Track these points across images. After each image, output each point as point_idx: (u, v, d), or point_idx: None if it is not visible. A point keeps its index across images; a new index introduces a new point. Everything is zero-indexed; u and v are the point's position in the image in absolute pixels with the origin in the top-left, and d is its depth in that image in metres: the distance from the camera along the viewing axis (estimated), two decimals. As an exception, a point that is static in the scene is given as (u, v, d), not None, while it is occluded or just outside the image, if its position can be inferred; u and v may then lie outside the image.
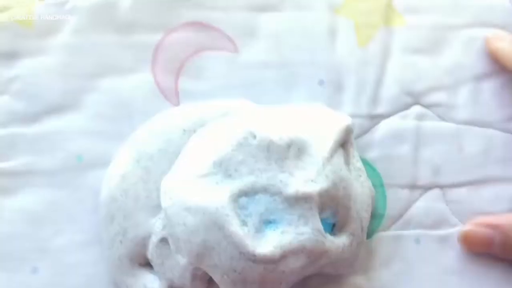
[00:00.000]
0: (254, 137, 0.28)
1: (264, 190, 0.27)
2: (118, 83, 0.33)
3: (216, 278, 0.28)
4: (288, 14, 0.33)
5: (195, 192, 0.27)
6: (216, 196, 0.27)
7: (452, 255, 0.32)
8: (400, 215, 0.32)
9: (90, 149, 0.32)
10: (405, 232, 0.32)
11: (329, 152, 0.28)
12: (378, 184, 0.32)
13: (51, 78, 0.32)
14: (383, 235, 0.32)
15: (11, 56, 0.32)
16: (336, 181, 0.28)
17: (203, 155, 0.28)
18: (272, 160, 0.27)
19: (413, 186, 0.32)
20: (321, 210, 0.28)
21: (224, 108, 0.31)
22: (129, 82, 0.33)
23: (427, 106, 0.33)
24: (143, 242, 0.30)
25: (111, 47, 0.33)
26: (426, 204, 0.32)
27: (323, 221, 0.28)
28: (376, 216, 0.32)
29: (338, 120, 0.30)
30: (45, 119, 0.32)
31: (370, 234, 0.32)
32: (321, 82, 0.33)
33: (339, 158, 0.29)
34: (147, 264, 0.30)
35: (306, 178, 0.27)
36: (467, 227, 0.32)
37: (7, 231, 0.32)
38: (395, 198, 0.32)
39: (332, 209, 0.28)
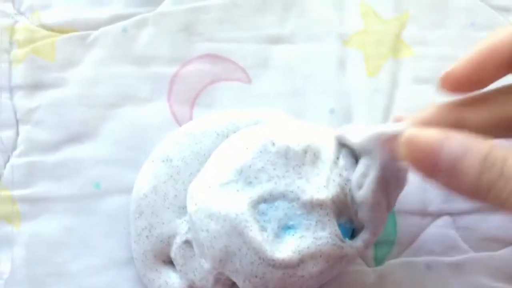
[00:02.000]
0: (273, 144, 0.28)
1: (283, 196, 0.28)
2: (135, 112, 0.34)
3: (239, 283, 0.28)
4: (299, 45, 0.34)
5: (217, 199, 0.28)
6: (237, 203, 0.27)
7: (464, 281, 0.32)
8: (411, 242, 0.33)
9: (107, 176, 0.33)
10: (416, 259, 0.33)
11: (334, 154, 0.29)
12: (389, 211, 0.33)
13: (71, 108, 0.34)
14: (395, 262, 0.33)
15: (33, 87, 0.34)
16: (342, 184, 0.28)
17: (226, 162, 0.29)
18: (290, 166, 0.28)
19: (423, 213, 0.33)
20: (339, 216, 0.28)
21: (257, 116, 0.32)
22: (145, 112, 0.34)
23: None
24: (168, 241, 0.31)
25: (129, 78, 0.34)
26: (437, 230, 0.33)
27: (341, 226, 0.28)
28: (387, 243, 0.33)
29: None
30: (64, 148, 0.33)
31: (381, 260, 0.33)
32: (331, 111, 0.34)
33: (344, 160, 0.29)
34: (170, 262, 0.31)
35: (320, 185, 0.28)
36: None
37: (25, 256, 0.32)
38: (405, 224, 0.33)
39: (348, 215, 0.29)
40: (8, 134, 0.33)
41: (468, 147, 0.23)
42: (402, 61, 0.34)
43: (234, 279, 0.28)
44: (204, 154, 0.31)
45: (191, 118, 0.34)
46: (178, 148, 0.31)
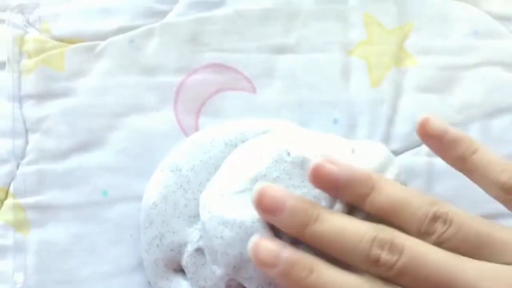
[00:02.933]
0: (289, 154, 0.29)
1: None
2: (141, 121, 0.34)
3: None
4: (303, 56, 0.35)
5: (232, 207, 0.28)
6: (252, 210, 0.28)
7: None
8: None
9: (114, 184, 0.34)
10: None
11: None
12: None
13: (80, 117, 0.34)
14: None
15: (42, 97, 0.35)
16: None
17: (240, 171, 0.29)
18: (306, 177, 0.28)
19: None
20: None
21: (265, 126, 0.32)
22: (152, 121, 0.34)
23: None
24: (179, 249, 0.31)
25: (135, 88, 0.35)
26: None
27: None
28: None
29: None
30: (73, 156, 0.34)
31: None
32: (335, 121, 0.34)
33: None
34: (180, 270, 0.32)
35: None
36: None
37: (34, 263, 0.33)
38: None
39: None
40: (17, 142, 0.34)
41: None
42: (405, 71, 0.35)
43: (247, 286, 0.29)
44: (213, 164, 0.31)
45: (196, 127, 0.34)
46: (187, 158, 0.32)
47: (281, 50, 0.35)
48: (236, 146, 0.31)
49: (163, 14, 0.35)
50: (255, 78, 0.35)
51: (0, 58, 0.35)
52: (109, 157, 0.34)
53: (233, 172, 0.29)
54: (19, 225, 0.34)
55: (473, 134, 0.34)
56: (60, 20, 0.35)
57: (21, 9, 0.35)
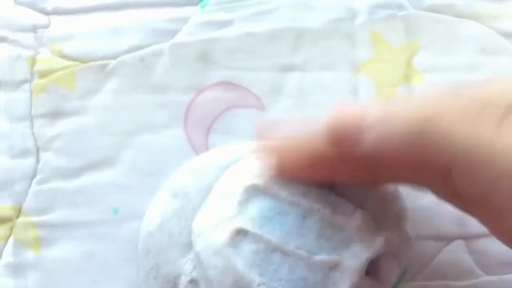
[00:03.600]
0: None
1: None
2: (152, 140, 0.35)
3: None
4: (311, 74, 0.35)
5: (224, 235, 0.28)
6: None
7: (478, 306, 0.33)
8: (424, 266, 0.33)
9: (126, 202, 0.34)
10: (430, 283, 0.33)
11: None
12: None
13: (91, 135, 0.35)
14: (410, 286, 0.33)
15: (54, 116, 0.35)
16: None
17: (230, 194, 0.29)
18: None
19: (436, 238, 0.33)
20: None
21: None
22: (162, 139, 0.35)
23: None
24: (174, 281, 0.30)
25: (146, 106, 0.35)
26: (450, 255, 0.33)
27: None
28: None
29: None
30: (84, 174, 0.34)
31: (395, 286, 0.33)
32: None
33: None
34: None
35: None
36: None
37: (45, 281, 0.33)
38: (418, 249, 0.33)
39: None
40: (28, 161, 0.34)
41: None
42: (413, 88, 0.35)
43: None
44: (206, 188, 0.30)
45: (206, 145, 0.35)
46: (182, 184, 0.31)
47: (289, 68, 0.35)
48: (228, 167, 0.31)
49: (173, 33, 0.36)
50: (264, 96, 0.35)
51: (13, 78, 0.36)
52: (120, 175, 0.34)
53: (224, 196, 0.29)
54: (30, 243, 0.34)
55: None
56: (72, 40, 0.36)
57: (33, 29, 0.36)
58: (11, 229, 0.34)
